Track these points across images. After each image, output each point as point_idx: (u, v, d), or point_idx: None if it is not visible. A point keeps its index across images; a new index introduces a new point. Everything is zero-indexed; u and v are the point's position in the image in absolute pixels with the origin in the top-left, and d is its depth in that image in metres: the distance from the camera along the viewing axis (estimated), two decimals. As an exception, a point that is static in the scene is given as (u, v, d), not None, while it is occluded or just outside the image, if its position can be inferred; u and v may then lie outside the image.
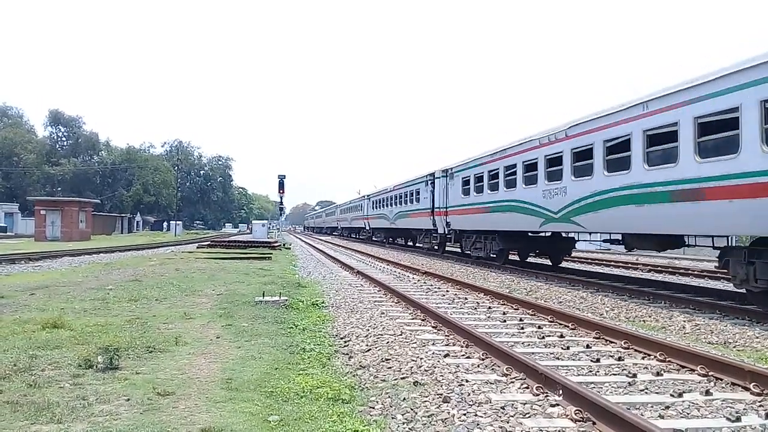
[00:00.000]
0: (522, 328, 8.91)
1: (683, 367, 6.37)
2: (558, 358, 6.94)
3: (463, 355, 6.97)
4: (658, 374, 6.10)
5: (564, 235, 18.97)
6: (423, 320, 9.44)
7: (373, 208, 44.76)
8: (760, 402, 5.15)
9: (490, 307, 11.09)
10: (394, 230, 39.65)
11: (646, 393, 5.50)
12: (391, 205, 37.32)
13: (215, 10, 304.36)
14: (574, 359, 6.91)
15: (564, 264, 21.95)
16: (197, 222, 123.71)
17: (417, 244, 34.67)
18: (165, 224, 77.43)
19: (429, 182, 28.35)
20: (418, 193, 30.62)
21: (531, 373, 5.71)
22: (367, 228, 48.97)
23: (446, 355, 6.91)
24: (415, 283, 15.72)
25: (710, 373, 5.98)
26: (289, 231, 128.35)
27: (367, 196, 47.84)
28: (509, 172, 18.73)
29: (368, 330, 8.46)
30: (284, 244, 37.88)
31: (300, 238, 67.22)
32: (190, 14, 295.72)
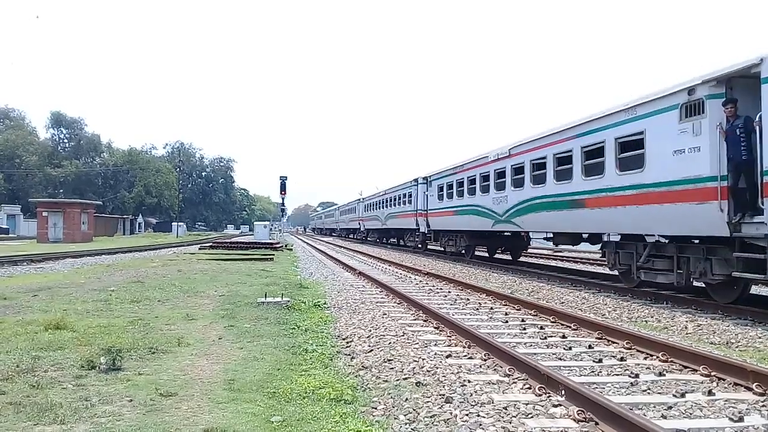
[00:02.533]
0: (524, 329, 8.91)
1: (686, 367, 6.36)
2: (560, 359, 6.94)
3: (466, 356, 6.97)
4: (660, 374, 6.09)
5: None
6: (425, 321, 9.45)
7: (441, 197, 26.52)
8: (762, 402, 5.14)
9: (492, 308, 11.09)
10: (498, 238, 22.73)
11: (649, 393, 5.49)
12: (502, 189, 19.23)
13: (217, 12, 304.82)
14: (576, 360, 6.91)
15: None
16: (199, 223, 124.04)
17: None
18: (173, 225, 76.04)
19: (690, 107, 10.52)
20: (622, 147, 12.78)
21: (533, 373, 5.70)
22: (422, 229, 30.34)
23: (448, 356, 6.91)
24: (416, 284, 15.73)
25: (713, 374, 5.96)
26: (295, 232, 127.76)
27: (425, 178, 29.95)
28: None
29: (370, 331, 8.46)
30: (286, 246, 37.91)
31: (303, 240, 65.42)
32: (192, 16, 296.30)
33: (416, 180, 31.45)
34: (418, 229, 31.10)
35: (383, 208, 41.54)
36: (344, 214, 68.11)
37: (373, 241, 50.00)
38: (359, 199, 54.88)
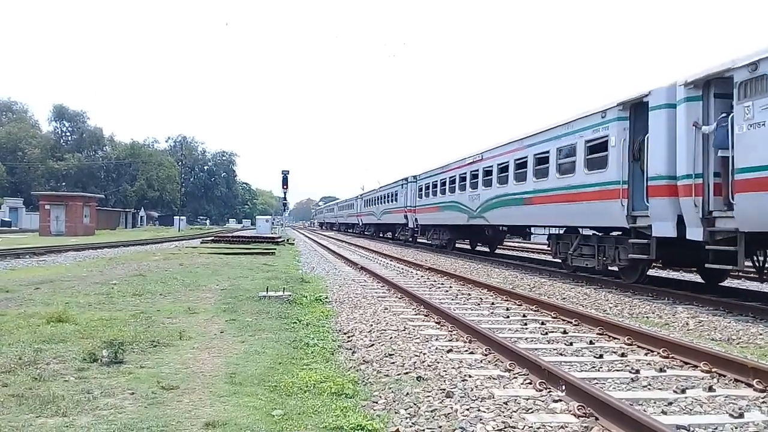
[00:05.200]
0: (525, 324, 8.92)
1: (686, 363, 6.37)
2: (561, 354, 6.95)
3: (467, 351, 6.98)
4: (661, 370, 6.09)
5: None
6: (426, 316, 9.46)
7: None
8: (763, 398, 5.15)
9: (493, 303, 11.10)
10: None
11: (649, 389, 5.50)
12: None
13: (220, 7, 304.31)
14: (577, 355, 6.91)
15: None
16: (201, 217, 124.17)
17: None
18: (175, 219, 75.29)
19: None
20: None
21: (534, 368, 5.71)
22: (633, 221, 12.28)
23: (449, 351, 6.92)
24: (418, 278, 15.73)
25: (713, 370, 5.97)
26: (301, 227, 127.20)
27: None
28: None
29: (371, 325, 8.47)
30: (287, 240, 37.93)
31: (307, 236, 61.04)
32: (195, 9, 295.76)
33: (602, 112, 13.55)
34: (630, 226, 12.66)
35: (461, 189, 24.17)
36: (371, 204, 48.45)
37: (434, 248, 30.27)
38: (404, 180, 35.59)
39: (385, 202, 42.33)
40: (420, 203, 32.10)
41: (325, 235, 61.10)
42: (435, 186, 29.01)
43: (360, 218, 56.36)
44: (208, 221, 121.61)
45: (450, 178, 26.26)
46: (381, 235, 49.91)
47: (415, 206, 33.12)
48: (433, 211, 29.52)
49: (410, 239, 36.64)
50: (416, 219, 33.09)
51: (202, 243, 34.44)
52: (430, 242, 32.13)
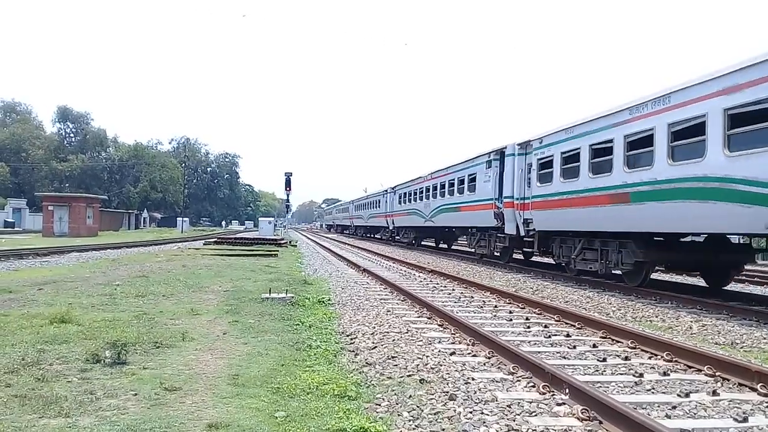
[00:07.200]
0: (528, 327, 8.90)
1: (690, 367, 6.35)
2: (564, 358, 6.93)
3: (470, 354, 6.97)
4: (664, 374, 6.08)
5: None
6: (429, 318, 9.44)
7: None
8: (767, 403, 5.13)
9: (496, 306, 11.08)
10: None
11: (653, 393, 5.48)
12: None
13: (223, 8, 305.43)
14: (580, 358, 6.89)
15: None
16: (204, 219, 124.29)
17: None
18: (177, 220, 74.90)
19: None
20: None
21: (537, 371, 5.70)
22: None
23: (452, 353, 6.91)
24: (420, 281, 15.72)
25: (717, 374, 5.95)
26: (306, 229, 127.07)
27: None
28: None
29: (374, 327, 8.46)
30: (290, 242, 37.93)
31: (312, 239, 61.31)
32: (198, 12, 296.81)
33: None
34: None
35: (743, 145, 9.52)
36: (411, 199, 34.29)
37: (579, 275, 15.84)
38: (495, 153, 21.06)
39: (441, 195, 27.91)
40: (542, 192, 17.16)
41: (336, 241, 60.68)
42: (604, 151, 13.87)
43: (390, 219, 41.16)
44: (223, 222, 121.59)
45: (684, 124, 11.04)
46: (420, 243, 36.82)
47: (523, 197, 18.57)
48: (588, 203, 14.46)
49: (495, 253, 22.04)
50: (528, 220, 18.31)
51: (204, 244, 34.44)
52: (560, 263, 17.57)
